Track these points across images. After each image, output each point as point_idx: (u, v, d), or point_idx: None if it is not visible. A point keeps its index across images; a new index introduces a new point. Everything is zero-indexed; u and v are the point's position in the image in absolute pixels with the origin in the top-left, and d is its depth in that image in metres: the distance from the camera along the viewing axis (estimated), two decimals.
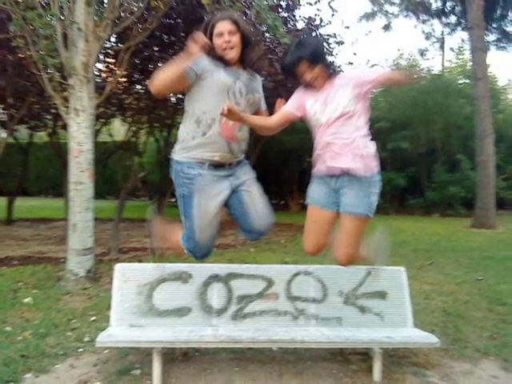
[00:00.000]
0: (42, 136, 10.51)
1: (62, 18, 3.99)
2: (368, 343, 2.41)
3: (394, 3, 15.32)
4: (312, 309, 2.66)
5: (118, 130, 8.91)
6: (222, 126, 2.17)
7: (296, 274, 2.72)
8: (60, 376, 2.37)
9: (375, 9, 15.74)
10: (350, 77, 2.21)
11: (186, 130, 2.26)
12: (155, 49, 6.07)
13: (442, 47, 17.54)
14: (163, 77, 2.09)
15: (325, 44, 6.96)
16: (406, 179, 12.02)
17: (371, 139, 2.19)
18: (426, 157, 12.44)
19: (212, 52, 2.18)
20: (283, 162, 12.44)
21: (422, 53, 16.48)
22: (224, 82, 2.17)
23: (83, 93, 4.09)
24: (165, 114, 7.70)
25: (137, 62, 6.07)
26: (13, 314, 3.31)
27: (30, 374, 2.36)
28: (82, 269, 4.15)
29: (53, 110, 6.89)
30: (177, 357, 2.63)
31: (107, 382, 2.30)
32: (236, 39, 2.20)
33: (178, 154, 2.27)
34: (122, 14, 4.31)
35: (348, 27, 11.69)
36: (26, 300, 3.60)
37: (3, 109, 7.12)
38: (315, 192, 2.30)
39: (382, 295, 2.69)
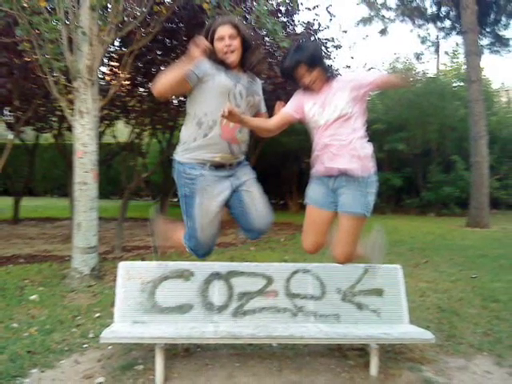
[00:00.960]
0: (47, 137, 10.56)
1: (67, 22, 4.04)
2: (365, 339, 2.44)
3: (390, 8, 15.46)
4: (310, 306, 2.69)
5: (122, 131, 8.94)
6: (222, 128, 2.20)
7: (295, 272, 2.75)
8: (65, 371, 2.41)
9: (372, 14, 15.87)
10: (347, 80, 2.24)
11: (187, 132, 2.29)
12: (158, 52, 6.12)
13: (437, 51, 17.66)
14: (165, 80, 2.12)
15: (323, 48, 7.01)
16: (402, 179, 12.06)
17: (368, 140, 2.22)
18: (422, 158, 12.49)
19: (213, 56, 2.22)
20: (282, 163, 12.48)
21: (418, 56, 16.62)
22: (225, 85, 2.20)
23: (88, 95, 4.15)
24: (167, 116, 7.73)
25: (140, 65, 6.12)
26: (19, 310, 3.35)
27: (36, 370, 2.41)
28: (86, 267, 4.20)
29: (58, 112, 6.96)
30: (179, 353, 2.67)
31: (111, 377, 2.34)
32: (236, 43, 2.23)
33: (180, 155, 2.30)
34: (126, 19, 4.34)
35: (346, 31, 11.72)
36: (32, 297, 3.65)
37: (10, 111, 7.14)
38: (314, 192, 2.33)
39: (378, 292, 2.73)
